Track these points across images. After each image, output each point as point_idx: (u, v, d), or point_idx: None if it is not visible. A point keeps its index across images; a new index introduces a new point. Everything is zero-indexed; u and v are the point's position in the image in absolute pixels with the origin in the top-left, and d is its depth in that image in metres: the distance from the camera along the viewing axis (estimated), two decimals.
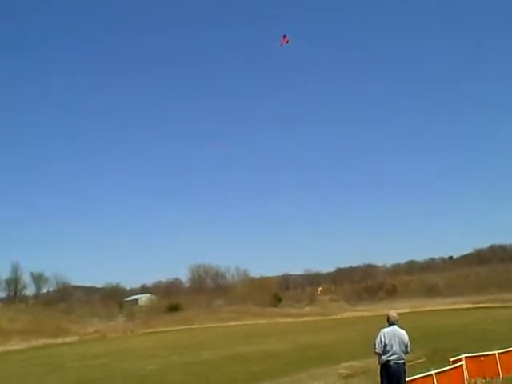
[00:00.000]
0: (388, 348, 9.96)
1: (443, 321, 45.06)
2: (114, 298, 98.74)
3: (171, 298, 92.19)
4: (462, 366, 13.39)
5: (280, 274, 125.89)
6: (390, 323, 10.25)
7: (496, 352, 14.74)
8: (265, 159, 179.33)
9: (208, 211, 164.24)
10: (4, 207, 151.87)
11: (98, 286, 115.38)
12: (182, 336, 52.56)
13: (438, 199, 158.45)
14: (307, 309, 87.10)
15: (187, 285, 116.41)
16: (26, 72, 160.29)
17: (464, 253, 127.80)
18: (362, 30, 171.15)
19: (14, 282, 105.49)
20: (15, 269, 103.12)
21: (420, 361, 17.95)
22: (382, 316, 11.58)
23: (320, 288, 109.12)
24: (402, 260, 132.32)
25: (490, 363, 14.42)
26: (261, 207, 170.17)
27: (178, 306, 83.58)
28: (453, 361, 13.66)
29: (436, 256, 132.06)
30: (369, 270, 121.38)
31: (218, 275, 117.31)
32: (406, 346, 10.11)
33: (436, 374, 12.07)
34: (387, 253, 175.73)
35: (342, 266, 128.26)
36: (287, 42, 27.22)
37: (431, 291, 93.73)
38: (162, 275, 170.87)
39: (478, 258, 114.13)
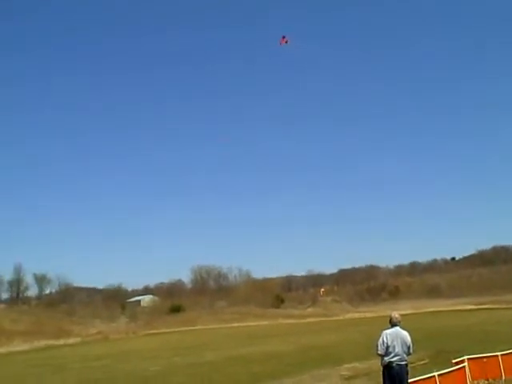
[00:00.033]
0: (390, 349, 9.94)
1: (446, 322, 44.98)
2: (116, 299, 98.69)
3: (173, 299, 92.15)
4: (464, 367, 13.37)
5: (282, 275, 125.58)
6: (393, 324, 10.23)
7: (499, 353, 14.71)
8: (265, 159, 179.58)
9: (210, 212, 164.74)
10: (6, 208, 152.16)
11: (100, 287, 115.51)
12: (184, 337, 52.58)
13: (440, 200, 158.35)
14: (310, 310, 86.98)
15: (189, 286, 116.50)
16: (26, 72, 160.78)
17: (466, 254, 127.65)
18: (361, 30, 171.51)
19: (16, 283, 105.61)
20: (18, 270, 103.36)
21: (422, 362, 17.92)
22: (385, 317, 11.56)
23: (322, 289, 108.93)
24: (405, 261, 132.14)
25: (492, 364, 14.39)
26: (263, 208, 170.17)
27: (180, 307, 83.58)
28: (455, 362, 13.64)
29: (438, 257, 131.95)
30: (371, 271, 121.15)
31: (220, 276, 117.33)
32: (409, 348, 10.09)
33: (439, 375, 12.05)
34: (390, 254, 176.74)
35: (344, 267, 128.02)
36: (286, 42, 27.22)
37: (434, 292, 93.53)
38: (165, 276, 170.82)
39: (481, 259, 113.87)
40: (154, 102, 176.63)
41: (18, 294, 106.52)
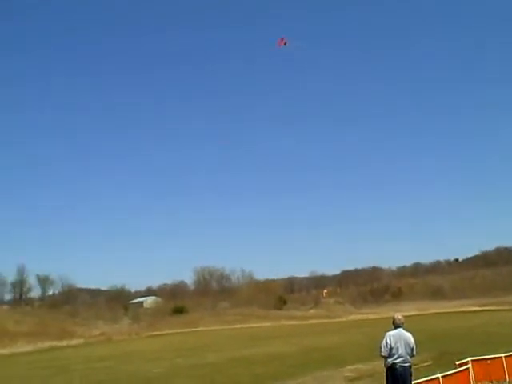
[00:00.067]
0: (394, 351, 9.92)
1: (449, 323, 44.90)
2: (119, 300, 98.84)
3: (176, 301, 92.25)
4: (468, 369, 13.34)
5: (285, 276, 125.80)
6: (396, 326, 10.20)
7: (502, 355, 14.68)
8: (266, 159, 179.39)
9: (213, 213, 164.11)
10: (10, 208, 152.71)
11: (104, 288, 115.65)
12: (187, 338, 52.60)
13: (443, 201, 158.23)
14: (312, 311, 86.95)
15: (192, 287, 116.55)
16: (26, 72, 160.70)
17: (469, 255, 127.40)
18: (362, 30, 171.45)
19: (19, 285, 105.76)
20: (21, 271, 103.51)
21: (426, 364, 17.88)
22: (388, 319, 11.54)
23: (325, 290, 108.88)
24: (408, 262, 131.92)
25: (496, 366, 14.35)
26: (265, 209, 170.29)
27: (183, 309, 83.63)
28: (459, 364, 13.61)
29: (441, 258, 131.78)
30: (374, 273, 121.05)
31: (223, 278, 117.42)
32: (412, 349, 10.06)
33: (442, 377, 12.03)
34: (393, 255, 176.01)
35: (347, 268, 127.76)
36: (285, 43, 27.15)
37: (437, 294, 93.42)
38: (168, 278, 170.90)
39: (484, 260, 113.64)
40: (154, 102, 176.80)
41: (21, 295, 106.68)
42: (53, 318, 70.35)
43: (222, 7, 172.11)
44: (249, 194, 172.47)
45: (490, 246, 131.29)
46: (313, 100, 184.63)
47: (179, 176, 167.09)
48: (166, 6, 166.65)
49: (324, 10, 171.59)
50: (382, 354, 10.06)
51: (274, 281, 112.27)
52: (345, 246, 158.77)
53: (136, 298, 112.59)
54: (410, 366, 10.10)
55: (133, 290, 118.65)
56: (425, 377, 11.90)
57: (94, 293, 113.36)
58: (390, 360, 9.97)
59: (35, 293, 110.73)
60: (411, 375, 10.19)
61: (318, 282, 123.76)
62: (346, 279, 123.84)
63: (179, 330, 65.86)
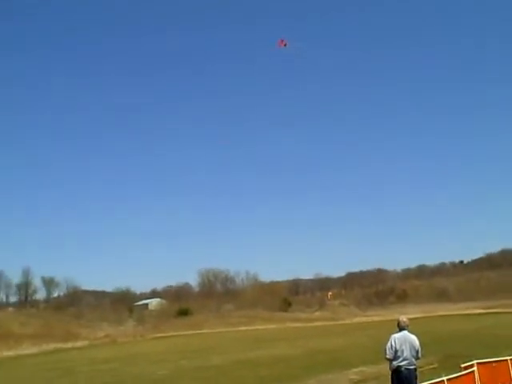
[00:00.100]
0: (399, 353, 9.91)
1: (454, 326, 44.72)
2: (123, 302, 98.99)
3: (181, 303, 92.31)
4: (473, 372, 13.28)
5: (290, 278, 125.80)
6: (401, 328, 10.20)
7: (508, 358, 14.61)
8: (266, 160, 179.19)
9: (217, 215, 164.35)
10: (14, 210, 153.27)
11: (108, 290, 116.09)
12: (191, 341, 52.59)
13: (448, 203, 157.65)
14: (317, 314, 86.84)
15: (197, 289, 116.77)
16: (26, 72, 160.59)
17: (475, 257, 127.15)
18: (361, 31, 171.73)
19: (24, 287, 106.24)
20: (26, 273, 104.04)
21: (431, 366, 17.82)
22: (393, 321, 11.53)
23: (330, 293, 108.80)
24: (413, 264, 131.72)
25: (502, 369, 14.29)
26: (270, 210, 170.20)
27: (187, 311, 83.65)
28: (464, 367, 13.56)
29: (446, 260, 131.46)
30: (379, 275, 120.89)
31: (227, 279, 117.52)
32: (417, 352, 10.05)
33: (447, 380, 11.98)
34: (397, 257, 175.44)
35: (352, 270, 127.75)
36: (285, 45, 27.16)
37: (442, 296, 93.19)
38: (172, 280, 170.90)
39: (489, 262, 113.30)
40: (154, 103, 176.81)
41: (26, 298, 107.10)
42: (58, 320, 70.53)
43: (222, 7, 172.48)
44: (252, 196, 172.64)
45: (495, 248, 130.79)
46: (313, 101, 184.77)
47: (180, 177, 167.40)
48: (166, 6, 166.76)
49: (324, 11, 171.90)
50: (387, 356, 10.06)
51: (278, 283, 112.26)
52: (349, 248, 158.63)
53: (141, 299, 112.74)
54: (415, 369, 10.10)
55: (137, 292, 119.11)
56: (430, 379, 11.84)
57: (99, 295, 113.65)
58: (395, 363, 9.96)
59: (40, 295, 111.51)
60: (416, 378, 10.18)
61: (322, 284, 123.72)
62: (351, 281, 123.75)
63: (184, 332, 65.85)
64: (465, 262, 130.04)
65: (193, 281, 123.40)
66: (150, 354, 39.47)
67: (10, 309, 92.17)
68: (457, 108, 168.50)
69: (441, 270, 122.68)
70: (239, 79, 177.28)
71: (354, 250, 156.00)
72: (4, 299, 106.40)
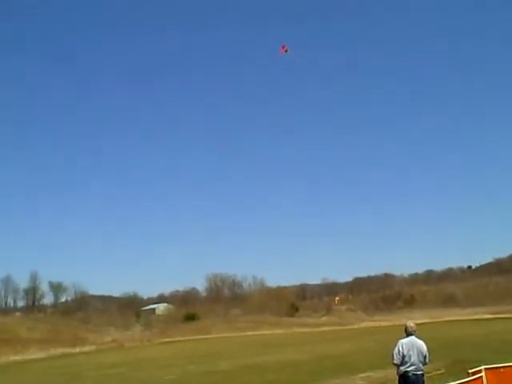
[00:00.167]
0: (406, 359, 9.88)
1: (462, 331, 44.48)
2: (131, 307, 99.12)
3: (188, 308, 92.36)
4: (481, 377, 13.20)
5: (297, 283, 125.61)
6: (408, 334, 10.17)
7: None
8: (267, 166, 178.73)
9: (225, 220, 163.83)
10: (20, 215, 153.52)
11: (116, 295, 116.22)
12: (198, 345, 52.62)
13: (456, 207, 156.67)
14: (324, 319, 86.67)
15: (204, 294, 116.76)
16: (26, 72, 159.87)
17: (483, 262, 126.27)
18: (362, 37, 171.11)
19: (32, 291, 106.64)
20: (33, 278, 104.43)
21: (439, 372, 17.74)
22: (400, 326, 11.51)
23: (337, 298, 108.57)
24: (420, 269, 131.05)
25: (509, 375, 14.19)
26: (277, 216, 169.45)
27: (194, 316, 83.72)
28: (472, 372, 13.49)
29: (454, 265, 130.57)
30: (386, 280, 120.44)
31: (234, 284, 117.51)
32: (425, 357, 10.02)
33: None
34: (405, 262, 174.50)
35: (359, 275, 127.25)
36: (286, 51, 27.22)
37: (449, 301, 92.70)
38: (180, 284, 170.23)
39: (498, 267, 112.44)
40: (154, 103, 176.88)
41: (33, 302, 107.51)
42: (65, 325, 70.78)
43: (222, 7, 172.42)
44: (261, 202, 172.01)
45: (503, 253, 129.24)
46: (313, 108, 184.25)
47: (185, 181, 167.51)
48: (166, 6, 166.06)
49: (324, 17, 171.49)
50: (395, 361, 10.03)
51: (285, 288, 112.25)
52: (357, 253, 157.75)
53: (148, 304, 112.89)
54: (422, 374, 10.06)
55: (145, 297, 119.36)
56: None
57: (106, 299, 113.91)
58: (402, 368, 9.94)
59: (48, 300, 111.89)
60: (424, 383, 10.15)
61: (329, 289, 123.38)
62: (358, 286, 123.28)
63: (191, 337, 65.92)
64: (473, 267, 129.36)
65: (200, 286, 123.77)
66: (157, 358, 39.53)
67: (18, 313, 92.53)
68: (461, 109, 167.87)
69: (449, 275, 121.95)
70: (239, 86, 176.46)
71: (361, 255, 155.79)
72: (12, 304, 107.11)
